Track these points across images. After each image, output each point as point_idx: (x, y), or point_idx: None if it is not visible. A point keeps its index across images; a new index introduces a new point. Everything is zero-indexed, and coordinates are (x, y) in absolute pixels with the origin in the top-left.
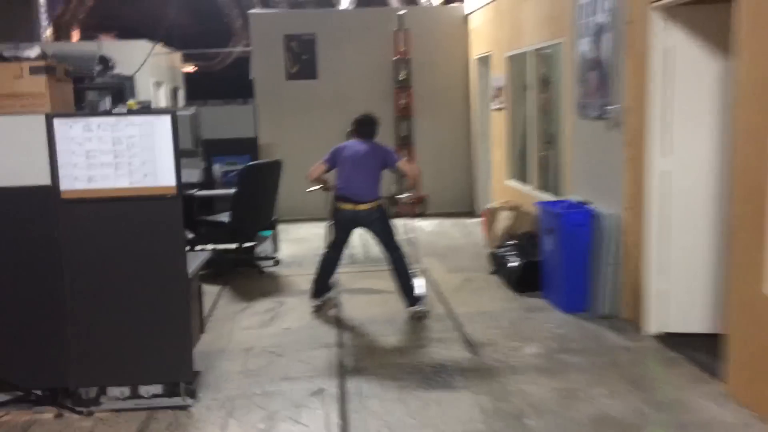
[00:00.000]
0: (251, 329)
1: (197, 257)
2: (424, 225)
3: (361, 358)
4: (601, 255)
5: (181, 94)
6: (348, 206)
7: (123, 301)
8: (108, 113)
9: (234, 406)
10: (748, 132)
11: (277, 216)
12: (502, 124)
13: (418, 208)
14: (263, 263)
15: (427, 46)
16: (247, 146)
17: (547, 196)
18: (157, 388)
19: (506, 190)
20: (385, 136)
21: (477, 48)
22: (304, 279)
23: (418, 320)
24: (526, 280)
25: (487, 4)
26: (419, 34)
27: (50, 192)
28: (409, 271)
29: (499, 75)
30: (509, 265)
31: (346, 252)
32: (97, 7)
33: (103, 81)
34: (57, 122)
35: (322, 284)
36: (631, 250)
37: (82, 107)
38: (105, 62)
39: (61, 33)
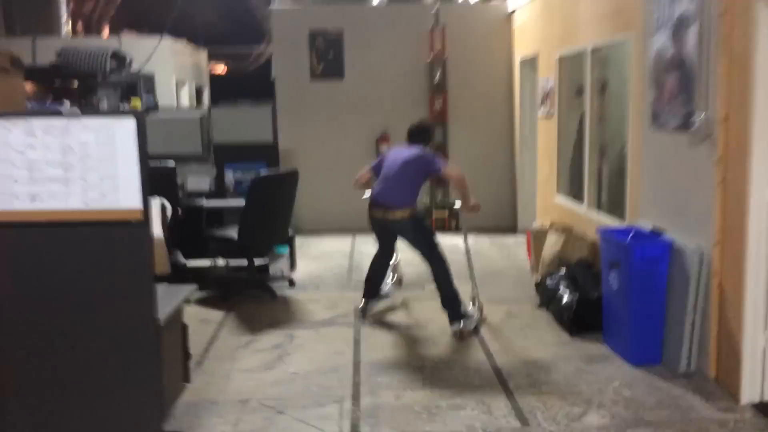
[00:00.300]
0: (252, 372)
1: (177, 293)
2: (457, 242)
3: (379, 422)
4: (682, 298)
5: (207, 95)
6: (378, 212)
7: (73, 353)
8: (56, 112)
9: None
10: None
11: (294, 231)
12: (551, 132)
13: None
14: (276, 284)
15: (466, 46)
16: (264, 152)
17: (606, 219)
18: None
19: (554, 207)
20: None
21: (522, 48)
22: (321, 306)
23: (460, 339)
24: (582, 320)
25: None
26: (457, 33)
27: None
28: (452, 285)
29: (547, 78)
30: (562, 300)
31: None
32: (128, 4)
33: (113, 78)
34: None
35: (370, 288)
36: (723, 295)
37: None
38: (120, 59)
39: (91, 29)
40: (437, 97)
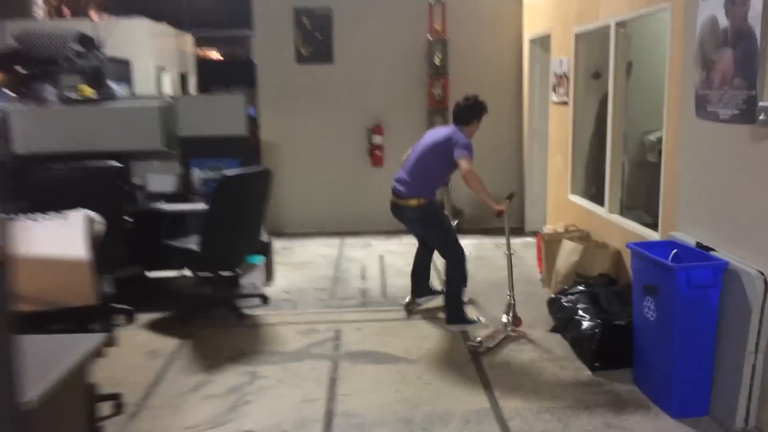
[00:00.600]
0: (197, 430)
1: (75, 348)
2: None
3: None
4: (739, 336)
5: (193, 82)
6: (393, 200)
7: None
8: None
9: None
10: None
11: (275, 235)
12: (566, 122)
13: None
14: (247, 302)
15: (469, 25)
16: (237, 147)
17: (634, 227)
18: None
19: (568, 207)
20: (414, 134)
21: (532, 26)
22: (295, 330)
23: (473, 357)
24: (606, 353)
25: None
26: (459, 10)
27: None
28: (460, 283)
29: (561, 59)
30: (581, 325)
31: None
32: None
33: (78, 64)
34: None
35: (415, 284)
36: None
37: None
38: (88, 42)
39: (78, 13)
40: (437, 82)
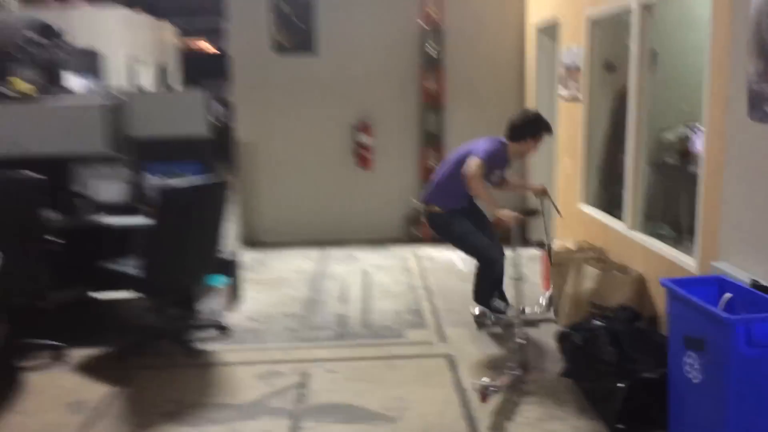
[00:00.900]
0: None
1: None
2: (451, 257)
3: None
4: None
5: (175, 76)
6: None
7: None
8: None
9: None
10: None
11: (236, 256)
12: (577, 121)
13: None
14: (201, 333)
15: (467, 12)
16: (198, 150)
17: (659, 247)
18: None
19: (580, 218)
20: (406, 133)
21: (537, 12)
22: (253, 373)
23: (481, 400)
24: (633, 413)
25: None
26: None
27: None
28: (487, 288)
29: (572, 49)
30: (600, 376)
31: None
32: None
33: (37, 56)
34: None
35: (485, 289)
36: None
37: None
38: (47, 31)
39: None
40: (431, 75)
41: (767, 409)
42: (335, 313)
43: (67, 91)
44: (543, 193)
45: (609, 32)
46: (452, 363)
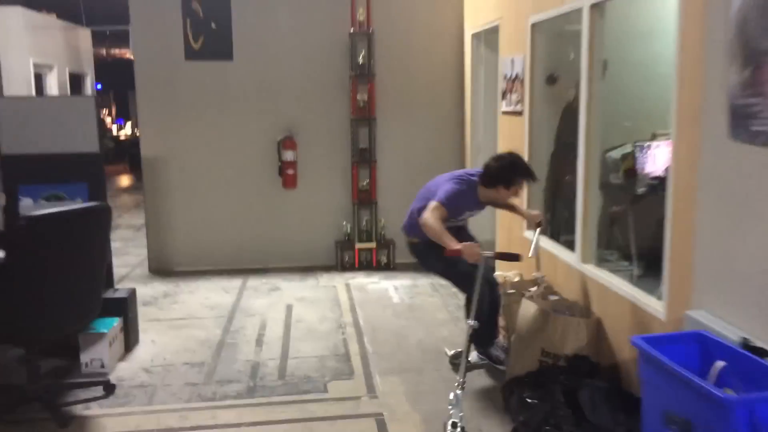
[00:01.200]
0: None
1: None
2: (387, 288)
3: None
4: None
5: (89, 84)
6: None
7: None
8: None
9: None
10: None
11: (131, 294)
12: (520, 136)
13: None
14: (79, 394)
15: (398, 14)
16: (86, 168)
17: (619, 285)
18: None
19: (524, 246)
20: (336, 148)
21: (476, 16)
22: None
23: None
24: None
25: None
26: None
27: None
28: (487, 322)
29: (514, 58)
30: None
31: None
32: None
33: None
34: None
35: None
36: None
37: None
38: None
39: None
40: (362, 86)
41: None
42: (248, 361)
43: None
44: (537, 225)
45: (558, 35)
46: (382, 426)
